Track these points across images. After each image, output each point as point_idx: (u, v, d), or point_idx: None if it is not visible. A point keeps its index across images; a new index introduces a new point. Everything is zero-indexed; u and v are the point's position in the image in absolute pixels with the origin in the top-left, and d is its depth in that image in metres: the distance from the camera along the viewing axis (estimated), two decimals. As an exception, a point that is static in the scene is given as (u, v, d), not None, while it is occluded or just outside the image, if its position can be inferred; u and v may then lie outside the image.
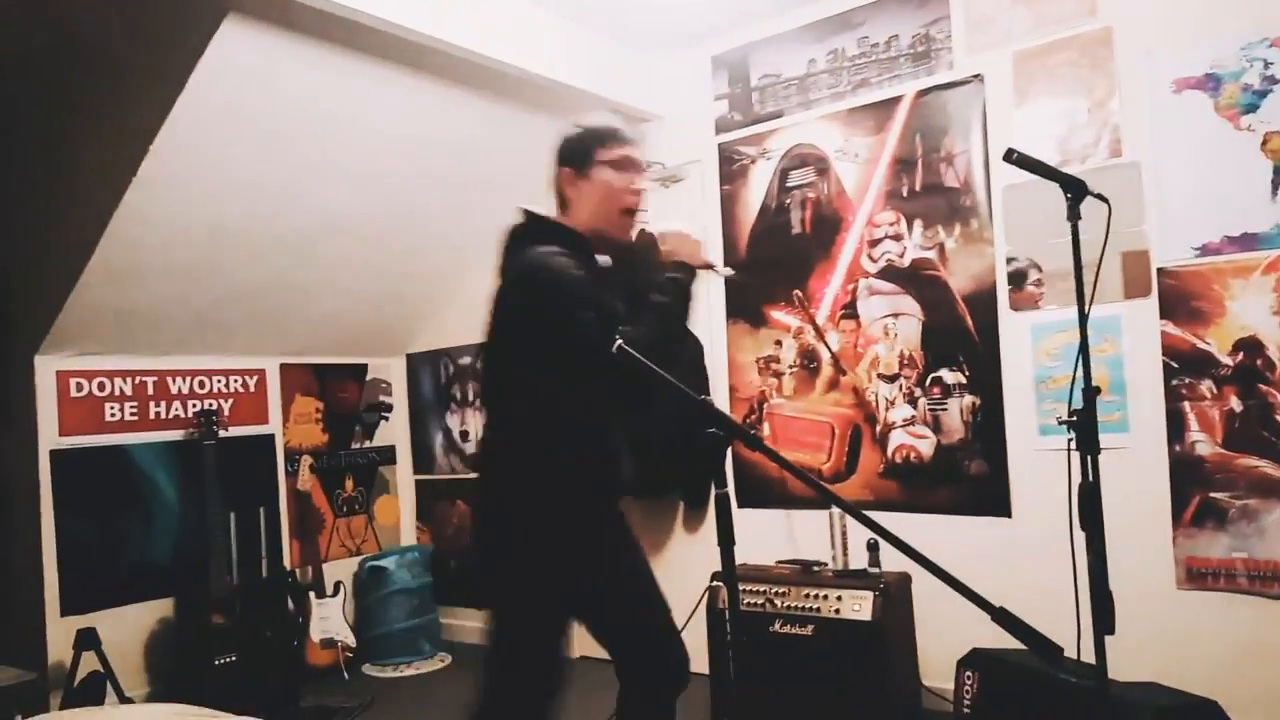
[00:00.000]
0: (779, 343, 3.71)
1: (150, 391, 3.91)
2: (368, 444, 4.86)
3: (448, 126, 3.75)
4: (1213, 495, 2.78)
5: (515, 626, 1.90)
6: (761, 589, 3.27)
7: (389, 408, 4.98)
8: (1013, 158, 2.04)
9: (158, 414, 3.93)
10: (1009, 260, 3.18)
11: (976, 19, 3.26)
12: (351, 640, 4.20)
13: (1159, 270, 2.88)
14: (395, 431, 5.00)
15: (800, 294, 3.65)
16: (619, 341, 1.62)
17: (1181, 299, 2.84)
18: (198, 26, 2.85)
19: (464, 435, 4.76)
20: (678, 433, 3.55)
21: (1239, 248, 2.75)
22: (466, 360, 4.76)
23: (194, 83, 2.93)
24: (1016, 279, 3.18)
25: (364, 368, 4.88)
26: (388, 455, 4.95)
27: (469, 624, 4.72)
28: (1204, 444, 2.80)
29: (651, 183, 4.06)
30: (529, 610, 1.90)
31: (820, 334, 3.60)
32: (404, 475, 5.02)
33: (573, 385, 1.89)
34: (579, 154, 1.99)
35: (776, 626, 3.20)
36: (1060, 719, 2.39)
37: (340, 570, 4.49)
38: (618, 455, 2.06)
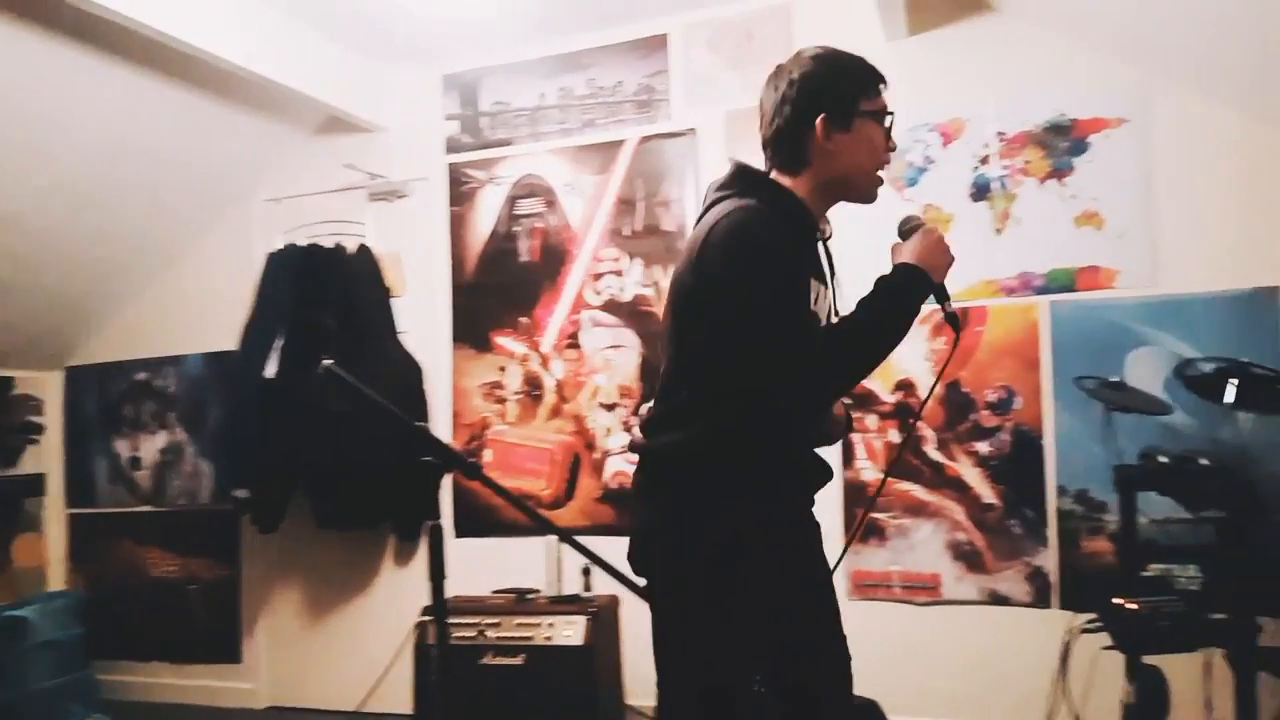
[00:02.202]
0: (503, 369, 4.06)
1: None
2: (9, 472, 4.54)
3: (139, 114, 3.71)
4: (875, 515, 3.50)
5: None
6: (473, 621, 3.54)
7: (39, 429, 4.68)
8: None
9: None
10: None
11: (694, 77, 3.85)
12: (-25, 707, 3.89)
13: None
14: (46, 457, 4.70)
15: (527, 321, 4.03)
16: (327, 362, 1.58)
17: (856, 343, 3.56)
18: None
19: (135, 462, 4.59)
20: (388, 459, 3.74)
21: (901, 302, 3.51)
22: (143, 376, 4.61)
23: None
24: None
25: (8, 381, 4.57)
26: (34, 485, 4.64)
27: (131, 679, 4.52)
28: (869, 470, 3.52)
29: (373, 195, 4.25)
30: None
31: (545, 362, 3.99)
32: (55, 509, 4.71)
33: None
34: (842, 100, 1.72)
35: (488, 659, 3.49)
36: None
37: (-37, 624, 4.14)
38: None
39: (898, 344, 1.67)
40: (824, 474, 1.83)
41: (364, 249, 4.16)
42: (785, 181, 1.76)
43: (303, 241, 4.20)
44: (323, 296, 4.03)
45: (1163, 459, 2.76)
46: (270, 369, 3.97)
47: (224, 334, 4.24)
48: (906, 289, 1.66)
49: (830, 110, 1.70)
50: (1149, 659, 2.65)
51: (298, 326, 4.00)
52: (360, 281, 4.11)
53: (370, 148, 4.30)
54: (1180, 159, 3.19)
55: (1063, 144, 3.33)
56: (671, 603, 1.68)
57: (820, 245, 1.80)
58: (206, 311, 4.47)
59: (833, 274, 1.82)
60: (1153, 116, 3.22)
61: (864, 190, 1.79)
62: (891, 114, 1.77)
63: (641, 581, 1.72)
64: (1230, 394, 2.64)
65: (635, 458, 1.80)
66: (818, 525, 1.85)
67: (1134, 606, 2.62)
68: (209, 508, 4.48)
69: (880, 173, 1.79)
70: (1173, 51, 3.10)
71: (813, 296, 1.70)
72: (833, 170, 1.74)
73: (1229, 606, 2.60)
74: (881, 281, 1.66)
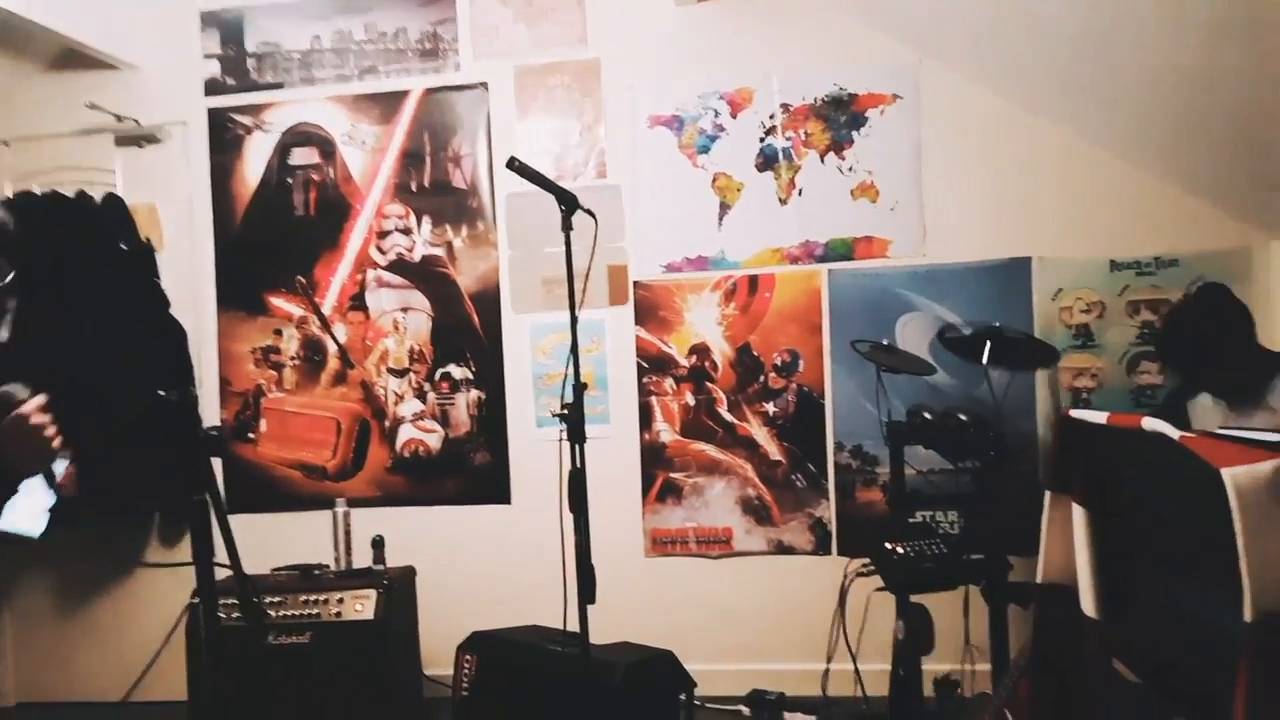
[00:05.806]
0: (279, 332, 3.63)
1: None
2: None
3: None
4: (672, 475, 3.45)
5: None
6: (254, 601, 3.19)
7: None
8: (514, 165, 2.26)
9: None
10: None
11: (481, 28, 3.54)
12: None
13: (635, 283, 3.46)
14: None
15: (303, 281, 3.62)
16: None
17: (651, 308, 3.45)
18: None
19: None
20: (142, 435, 3.27)
21: (694, 267, 3.44)
22: None
23: None
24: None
25: None
26: None
27: None
28: (666, 432, 3.45)
29: (120, 140, 3.66)
30: None
31: (326, 325, 3.62)
32: None
33: None
34: None
35: (271, 639, 3.16)
36: (549, 686, 2.77)
37: None
38: None
39: None
40: None
41: (113, 198, 3.53)
42: None
43: (39, 189, 3.56)
44: (65, 251, 3.43)
45: (927, 415, 2.87)
46: (2, 332, 3.34)
47: (-62, 292, 3.53)
48: None
49: None
50: (916, 597, 2.77)
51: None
52: (111, 235, 3.52)
53: (116, 87, 3.68)
54: (945, 137, 3.29)
55: (842, 118, 3.35)
56: None
57: None
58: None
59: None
60: (922, 95, 3.30)
61: None
62: None
63: None
64: (986, 355, 2.78)
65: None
66: None
67: (902, 550, 2.72)
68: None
69: None
70: (943, 35, 3.16)
71: None
72: None
73: (984, 547, 2.75)
74: None
